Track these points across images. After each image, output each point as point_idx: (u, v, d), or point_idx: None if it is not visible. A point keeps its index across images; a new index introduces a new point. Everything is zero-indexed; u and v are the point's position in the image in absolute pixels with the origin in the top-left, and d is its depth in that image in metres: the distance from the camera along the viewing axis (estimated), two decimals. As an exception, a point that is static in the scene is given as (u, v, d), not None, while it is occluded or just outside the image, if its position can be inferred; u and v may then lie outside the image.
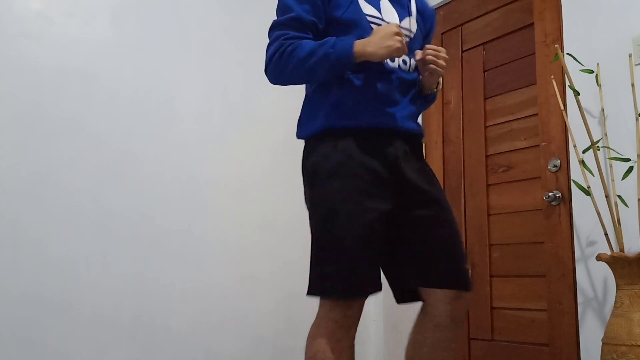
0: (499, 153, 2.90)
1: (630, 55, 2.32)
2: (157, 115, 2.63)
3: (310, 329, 1.60)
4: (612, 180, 2.28)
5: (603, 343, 2.08)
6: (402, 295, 1.71)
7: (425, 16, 1.85)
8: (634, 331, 2.00)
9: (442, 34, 3.27)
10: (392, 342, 3.10)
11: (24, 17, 2.39)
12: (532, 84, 2.75)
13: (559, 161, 2.58)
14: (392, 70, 1.67)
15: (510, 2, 2.92)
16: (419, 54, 1.68)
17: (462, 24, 3.17)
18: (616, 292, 2.11)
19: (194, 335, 2.59)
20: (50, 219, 2.32)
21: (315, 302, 3.01)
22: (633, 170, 2.21)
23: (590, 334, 2.35)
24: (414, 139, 1.71)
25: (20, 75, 2.34)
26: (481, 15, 3.06)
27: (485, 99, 2.99)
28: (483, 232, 2.91)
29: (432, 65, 1.66)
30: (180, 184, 2.64)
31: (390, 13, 1.71)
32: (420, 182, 1.66)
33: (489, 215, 2.91)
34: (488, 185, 2.93)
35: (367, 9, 1.67)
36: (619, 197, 2.23)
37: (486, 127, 2.97)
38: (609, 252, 2.15)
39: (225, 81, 2.77)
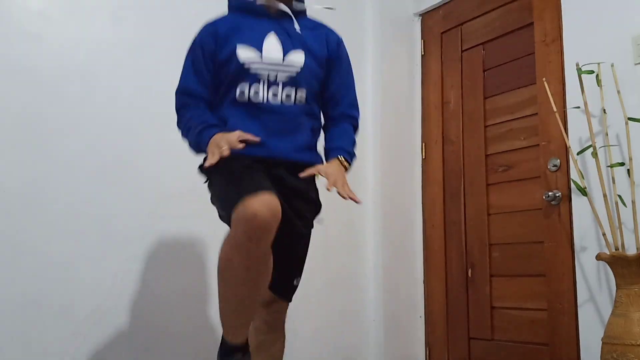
0: (498, 153, 2.90)
1: (630, 55, 2.32)
2: (157, 115, 2.63)
3: (223, 242, 1.64)
4: (612, 180, 2.28)
5: (603, 342, 2.09)
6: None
7: (327, 44, 1.95)
8: (634, 330, 2.00)
9: (442, 33, 3.27)
10: (392, 342, 3.10)
11: (24, 17, 2.38)
12: (532, 84, 2.75)
13: (558, 161, 2.58)
14: (278, 107, 1.83)
15: (510, 2, 2.92)
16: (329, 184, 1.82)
17: (462, 24, 3.17)
18: (616, 291, 2.11)
19: (194, 336, 2.59)
20: (49, 219, 2.32)
21: (312, 301, 3.00)
22: (633, 171, 2.22)
23: (590, 334, 2.35)
24: (302, 166, 1.84)
25: (20, 75, 2.33)
26: (481, 15, 3.07)
27: (485, 98, 3.00)
28: (483, 232, 2.92)
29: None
30: (180, 184, 2.63)
31: (273, 50, 1.85)
32: (296, 197, 1.82)
33: (488, 215, 2.91)
34: (488, 185, 2.93)
35: (245, 54, 1.82)
36: (619, 197, 2.23)
37: (486, 126, 2.97)
38: (608, 252, 2.15)
39: (225, 81, 2.76)
